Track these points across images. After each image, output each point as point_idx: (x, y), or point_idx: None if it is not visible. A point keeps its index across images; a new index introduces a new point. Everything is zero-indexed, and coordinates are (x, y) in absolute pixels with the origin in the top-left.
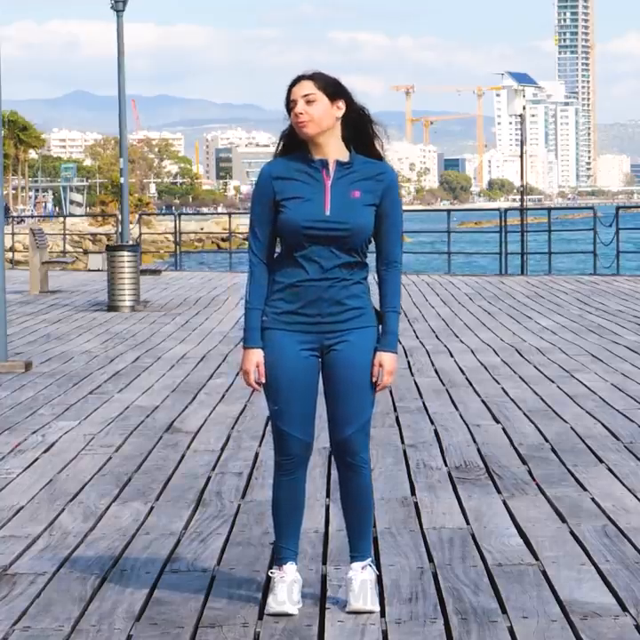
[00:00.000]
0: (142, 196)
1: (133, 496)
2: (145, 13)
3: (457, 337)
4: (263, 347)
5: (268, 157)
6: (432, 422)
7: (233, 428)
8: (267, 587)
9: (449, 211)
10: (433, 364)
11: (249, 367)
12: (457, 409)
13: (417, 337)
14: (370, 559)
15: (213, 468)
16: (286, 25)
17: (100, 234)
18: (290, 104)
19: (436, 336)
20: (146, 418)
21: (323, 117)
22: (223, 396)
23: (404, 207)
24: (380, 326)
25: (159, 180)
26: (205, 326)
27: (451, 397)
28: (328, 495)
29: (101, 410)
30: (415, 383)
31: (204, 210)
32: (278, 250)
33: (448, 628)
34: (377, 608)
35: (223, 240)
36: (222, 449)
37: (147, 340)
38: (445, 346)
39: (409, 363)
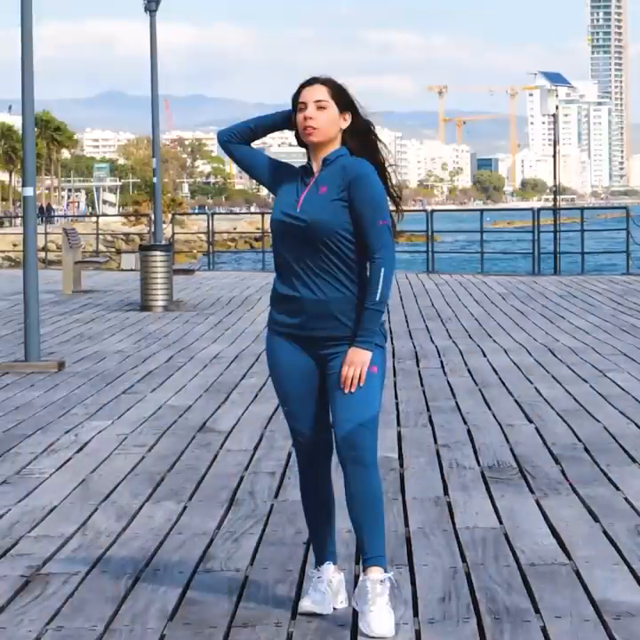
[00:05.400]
0: (175, 196)
1: (166, 496)
2: (180, 13)
3: (490, 337)
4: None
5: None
6: (465, 422)
7: (266, 427)
8: (300, 586)
9: (482, 210)
10: (466, 364)
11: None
12: (490, 409)
13: (450, 337)
14: (390, 574)
15: (246, 468)
16: (321, 25)
17: (133, 234)
18: (298, 104)
19: (469, 336)
20: (179, 418)
21: (330, 127)
22: (256, 396)
23: (437, 207)
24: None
25: (192, 180)
26: (238, 326)
27: (484, 397)
28: None
29: (134, 409)
30: (448, 383)
31: (237, 209)
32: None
33: (481, 628)
34: (392, 633)
35: (256, 240)
36: (255, 449)
37: (179, 340)
38: (478, 346)
39: (442, 362)
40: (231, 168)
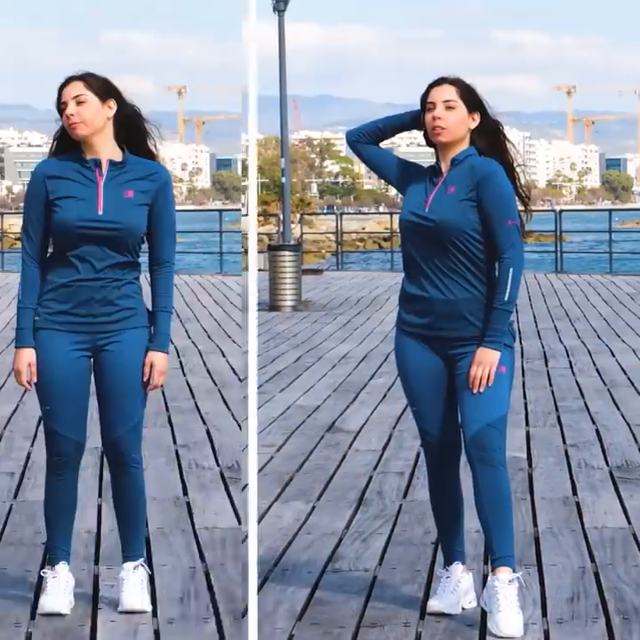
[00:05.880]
0: (304, 196)
1: (295, 496)
2: (308, 13)
3: (619, 337)
4: (35, 346)
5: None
6: (594, 422)
7: (394, 427)
8: (428, 586)
9: (610, 210)
10: (594, 364)
11: (21, 367)
12: (619, 409)
13: (578, 337)
14: (142, 559)
15: (375, 468)
16: (448, 25)
17: (262, 233)
18: (427, 104)
19: (598, 336)
20: (307, 417)
21: (458, 127)
22: (385, 396)
23: (565, 207)
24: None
25: (320, 180)
26: (367, 326)
27: (612, 397)
28: (100, 495)
29: (263, 409)
30: (577, 383)
31: (365, 209)
32: (51, 250)
33: (610, 628)
34: (148, 608)
35: (385, 240)
36: (384, 448)
37: (308, 340)
38: (607, 346)
39: (571, 362)
40: (360, 168)
